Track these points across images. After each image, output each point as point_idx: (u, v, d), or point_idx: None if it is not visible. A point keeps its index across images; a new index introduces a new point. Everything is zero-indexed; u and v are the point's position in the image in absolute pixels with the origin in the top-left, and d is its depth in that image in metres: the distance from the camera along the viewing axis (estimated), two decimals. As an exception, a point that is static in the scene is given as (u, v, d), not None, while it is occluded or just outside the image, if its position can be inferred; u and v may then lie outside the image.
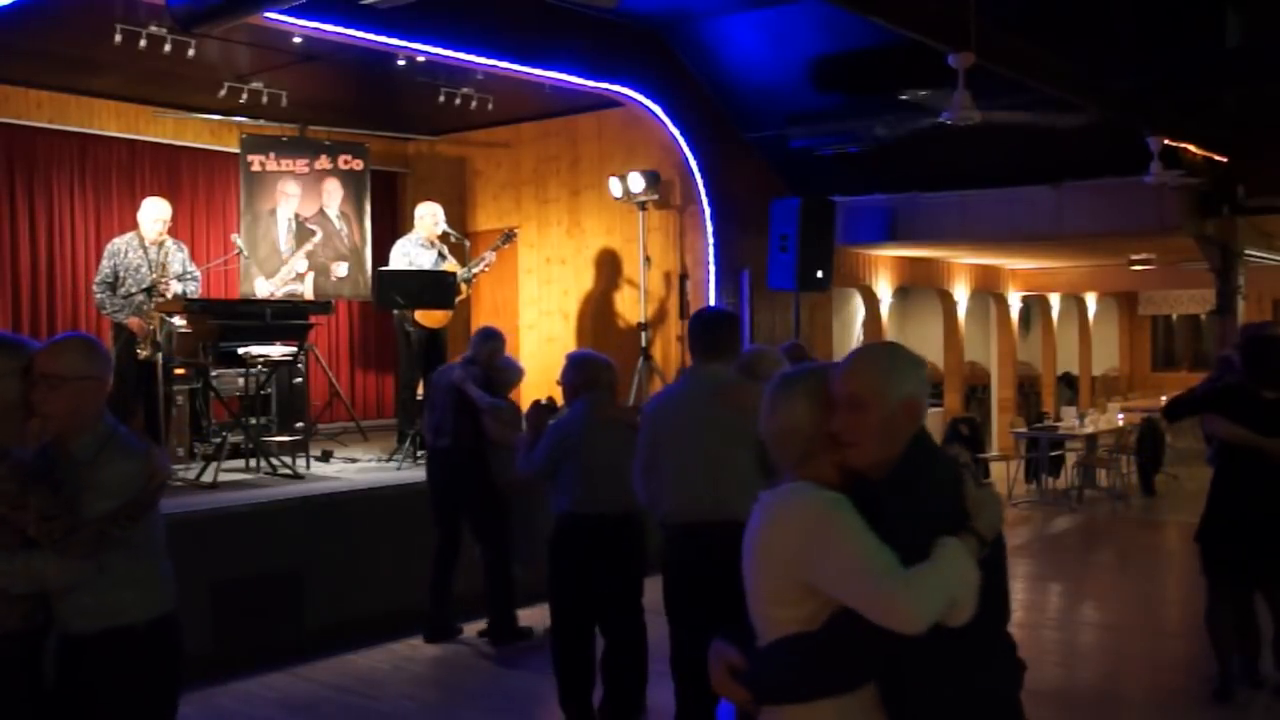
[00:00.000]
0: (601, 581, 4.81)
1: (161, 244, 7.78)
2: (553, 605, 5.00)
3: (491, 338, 6.63)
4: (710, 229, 10.36)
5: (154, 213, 7.81)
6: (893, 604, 2.10)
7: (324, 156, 10.54)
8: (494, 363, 6.57)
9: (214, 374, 7.97)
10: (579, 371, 4.99)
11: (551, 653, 4.99)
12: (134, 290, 7.60)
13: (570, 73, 9.14)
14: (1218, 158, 9.30)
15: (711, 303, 10.43)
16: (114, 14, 7.61)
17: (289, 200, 10.38)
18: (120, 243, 7.78)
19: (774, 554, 2.25)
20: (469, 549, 6.52)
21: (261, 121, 10.55)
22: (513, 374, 6.80)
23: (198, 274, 8.07)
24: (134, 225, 8.00)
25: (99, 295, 7.67)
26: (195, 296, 7.87)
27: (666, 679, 4.40)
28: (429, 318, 8.67)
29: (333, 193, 10.55)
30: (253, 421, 8.01)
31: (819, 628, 2.21)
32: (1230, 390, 5.38)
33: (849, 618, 2.16)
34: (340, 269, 10.55)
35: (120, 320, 7.64)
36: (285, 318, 8.07)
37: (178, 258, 7.86)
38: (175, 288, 7.73)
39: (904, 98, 8.83)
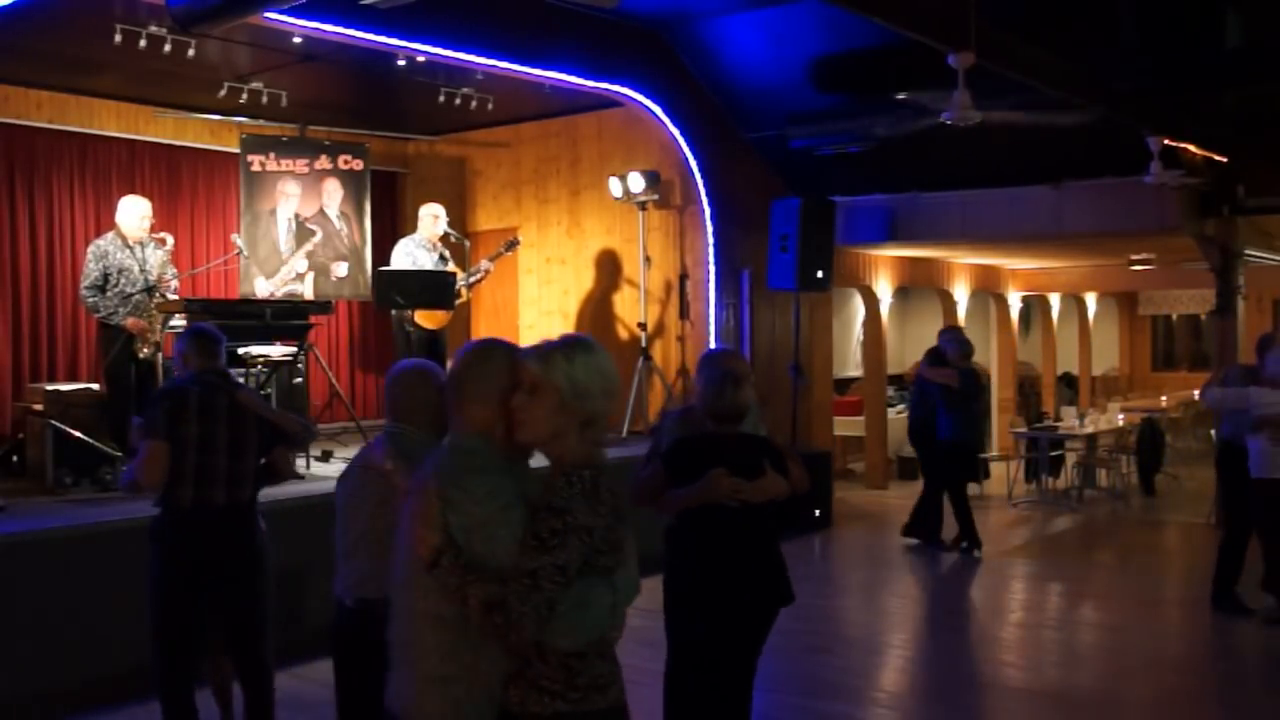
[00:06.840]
0: None
1: (144, 243, 7.53)
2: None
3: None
4: (710, 229, 10.36)
5: (140, 210, 7.55)
6: None
7: (324, 156, 10.54)
8: None
9: (214, 374, 7.94)
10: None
11: None
12: (131, 290, 7.40)
13: (570, 73, 9.14)
14: (1218, 158, 9.29)
15: (712, 303, 10.44)
16: (114, 14, 7.60)
17: (289, 200, 10.39)
18: (104, 244, 7.47)
19: None
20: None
21: (261, 121, 10.55)
22: None
23: (176, 271, 7.94)
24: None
25: (91, 299, 7.36)
26: (176, 294, 7.72)
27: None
28: (428, 318, 8.67)
29: (333, 193, 10.55)
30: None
31: None
32: None
33: None
34: (340, 269, 10.56)
35: (116, 322, 7.38)
36: (285, 318, 8.04)
37: (162, 256, 7.66)
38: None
39: (902, 98, 8.82)
